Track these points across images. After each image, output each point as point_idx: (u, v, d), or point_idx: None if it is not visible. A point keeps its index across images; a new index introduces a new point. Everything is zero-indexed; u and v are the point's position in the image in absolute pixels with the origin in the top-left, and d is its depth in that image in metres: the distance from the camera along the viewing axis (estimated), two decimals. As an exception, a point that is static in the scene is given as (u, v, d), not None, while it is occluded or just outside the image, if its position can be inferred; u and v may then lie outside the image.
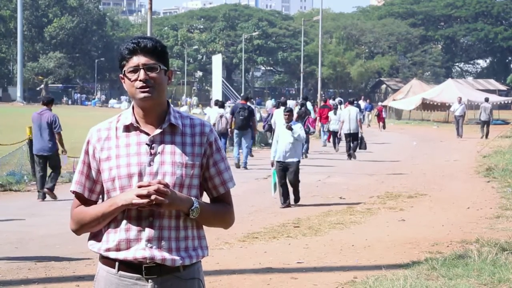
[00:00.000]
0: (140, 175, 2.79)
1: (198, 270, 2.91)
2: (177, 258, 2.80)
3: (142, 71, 2.80)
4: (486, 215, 10.87)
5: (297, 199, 12.31)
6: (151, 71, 2.81)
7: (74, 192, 2.90)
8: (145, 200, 2.69)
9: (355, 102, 28.79)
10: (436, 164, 19.62)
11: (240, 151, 18.35)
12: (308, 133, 20.33)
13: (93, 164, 2.88)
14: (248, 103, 19.09)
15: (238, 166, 17.73)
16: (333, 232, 9.61)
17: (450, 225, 10.12)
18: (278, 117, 16.48)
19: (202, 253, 2.90)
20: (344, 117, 21.37)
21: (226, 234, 8.69)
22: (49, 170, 12.59)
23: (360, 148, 21.20)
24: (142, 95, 2.80)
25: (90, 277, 7.10)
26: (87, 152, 2.89)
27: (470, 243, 8.45)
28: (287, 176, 12.11)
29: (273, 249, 8.49)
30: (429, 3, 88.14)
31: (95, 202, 2.90)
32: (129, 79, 2.82)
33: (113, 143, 2.86)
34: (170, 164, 2.81)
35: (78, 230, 2.90)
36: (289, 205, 12.06)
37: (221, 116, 19.46)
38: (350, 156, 20.88)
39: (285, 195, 12.08)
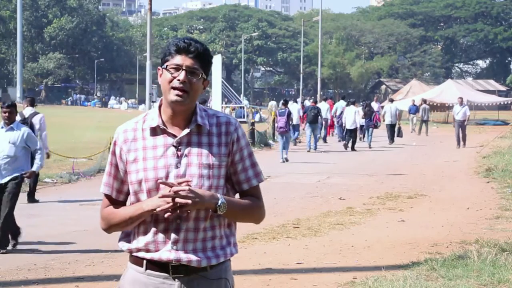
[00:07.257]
0: (167, 178, 2.78)
1: (225, 270, 2.90)
2: (203, 259, 2.80)
3: (183, 72, 2.79)
4: (486, 216, 10.87)
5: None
6: (192, 75, 2.80)
7: (104, 194, 2.92)
8: (168, 205, 2.69)
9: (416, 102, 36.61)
10: (435, 164, 19.62)
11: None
12: (376, 126, 26.86)
13: (121, 165, 2.88)
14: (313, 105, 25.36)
15: (309, 150, 23.31)
16: (333, 232, 9.61)
17: (450, 225, 10.12)
18: (349, 113, 24.79)
19: (231, 251, 2.90)
20: (386, 111, 28.05)
21: (225, 235, 8.68)
22: None
23: (397, 136, 27.76)
24: (175, 98, 2.78)
25: (90, 278, 7.13)
26: (114, 153, 2.89)
27: (470, 244, 8.45)
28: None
29: (272, 249, 8.49)
30: (429, 4, 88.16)
31: (124, 203, 2.91)
32: (168, 75, 2.80)
33: (139, 145, 2.84)
34: (197, 165, 2.80)
35: (107, 229, 2.93)
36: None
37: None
38: (390, 141, 27.52)
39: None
